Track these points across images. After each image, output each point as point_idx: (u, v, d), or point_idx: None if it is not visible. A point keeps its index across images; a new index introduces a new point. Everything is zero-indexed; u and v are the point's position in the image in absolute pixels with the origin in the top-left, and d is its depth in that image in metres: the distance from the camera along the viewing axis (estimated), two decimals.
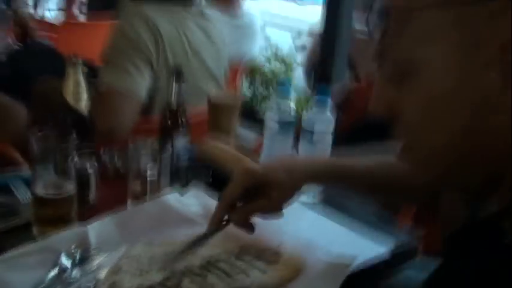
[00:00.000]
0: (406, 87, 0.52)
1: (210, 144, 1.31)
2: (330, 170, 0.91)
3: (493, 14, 0.46)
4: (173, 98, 1.18)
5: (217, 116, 1.42)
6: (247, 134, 1.48)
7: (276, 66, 3.89)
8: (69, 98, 1.01)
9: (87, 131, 1.04)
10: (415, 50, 0.50)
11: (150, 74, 1.47)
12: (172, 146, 1.15)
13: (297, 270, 0.89)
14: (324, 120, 1.21)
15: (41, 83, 1.50)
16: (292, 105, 1.29)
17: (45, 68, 1.83)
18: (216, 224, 0.89)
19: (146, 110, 1.49)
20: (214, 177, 1.20)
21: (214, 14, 1.69)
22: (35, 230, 0.94)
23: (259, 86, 3.72)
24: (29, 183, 1.05)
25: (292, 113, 1.28)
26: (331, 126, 1.22)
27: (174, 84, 1.17)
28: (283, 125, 1.27)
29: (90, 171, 0.94)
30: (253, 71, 3.53)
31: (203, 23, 1.63)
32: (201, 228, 0.99)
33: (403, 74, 0.52)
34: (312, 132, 1.21)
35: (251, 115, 2.24)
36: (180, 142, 1.18)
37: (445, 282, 0.57)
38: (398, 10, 0.51)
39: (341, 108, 1.38)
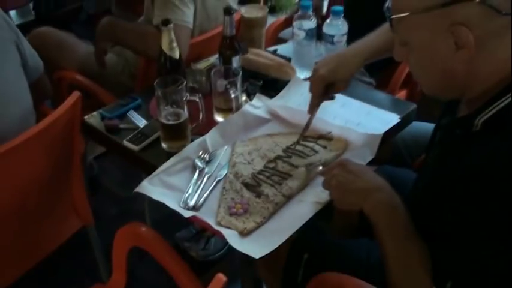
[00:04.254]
0: (408, 50, 0.94)
1: (253, 54, 1.69)
2: (368, 56, 1.35)
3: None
4: (226, 28, 1.54)
5: (249, 29, 1.78)
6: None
7: None
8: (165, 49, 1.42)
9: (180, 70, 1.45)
10: (407, 36, 0.92)
11: (192, 3, 1.80)
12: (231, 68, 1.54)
13: (346, 143, 1.36)
14: (339, 25, 1.60)
15: None
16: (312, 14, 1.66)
17: None
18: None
19: None
20: (264, 81, 1.61)
21: None
22: (164, 146, 1.38)
23: None
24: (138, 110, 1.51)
25: (314, 21, 1.66)
26: (345, 29, 1.61)
27: (225, 17, 1.52)
28: (309, 31, 1.65)
29: (198, 99, 1.36)
30: None
31: None
32: (273, 123, 1.43)
33: (405, 44, 0.94)
34: (332, 36, 1.60)
35: None
36: (236, 63, 1.57)
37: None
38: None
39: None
